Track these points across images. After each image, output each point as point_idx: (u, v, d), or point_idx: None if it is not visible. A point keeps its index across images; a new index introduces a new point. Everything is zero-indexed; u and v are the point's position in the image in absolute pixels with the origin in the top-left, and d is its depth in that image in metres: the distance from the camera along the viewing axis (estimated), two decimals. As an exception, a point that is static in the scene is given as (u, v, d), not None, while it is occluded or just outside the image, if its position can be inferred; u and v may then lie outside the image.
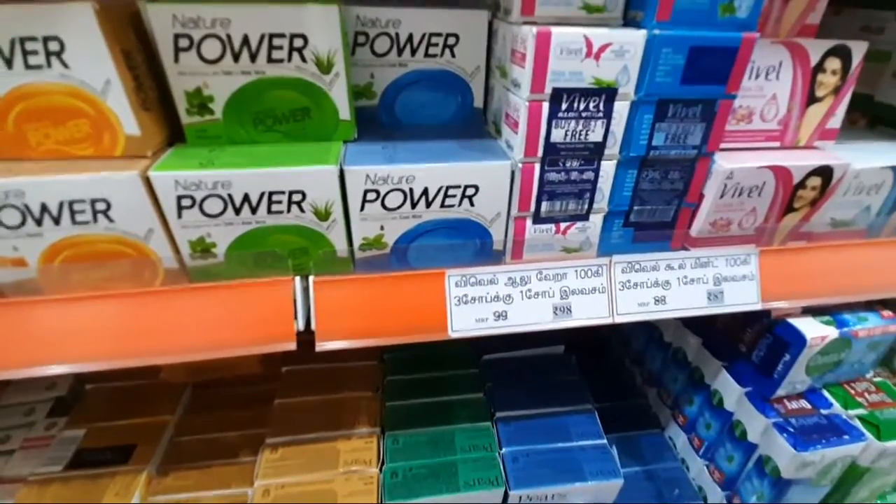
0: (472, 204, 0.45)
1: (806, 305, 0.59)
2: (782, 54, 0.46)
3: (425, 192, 0.44)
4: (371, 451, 0.62)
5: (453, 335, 0.48)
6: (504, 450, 0.62)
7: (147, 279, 0.45)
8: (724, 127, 0.45)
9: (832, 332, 0.55)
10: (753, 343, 0.60)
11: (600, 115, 0.42)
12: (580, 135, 0.43)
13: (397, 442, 0.63)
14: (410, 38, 0.49)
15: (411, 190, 0.43)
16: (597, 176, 0.46)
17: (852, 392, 0.61)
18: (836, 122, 0.51)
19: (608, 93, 0.42)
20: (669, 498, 0.69)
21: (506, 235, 0.48)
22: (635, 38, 0.40)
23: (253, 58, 0.42)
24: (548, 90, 0.41)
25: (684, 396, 0.72)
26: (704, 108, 0.44)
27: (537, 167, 0.44)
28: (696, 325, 0.70)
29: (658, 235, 0.51)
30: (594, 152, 0.44)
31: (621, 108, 0.43)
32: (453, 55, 0.50)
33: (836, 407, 0.59)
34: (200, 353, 0.45)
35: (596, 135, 0.43)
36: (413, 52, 0.49)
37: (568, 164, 0.45)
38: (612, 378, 0.86)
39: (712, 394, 0.65)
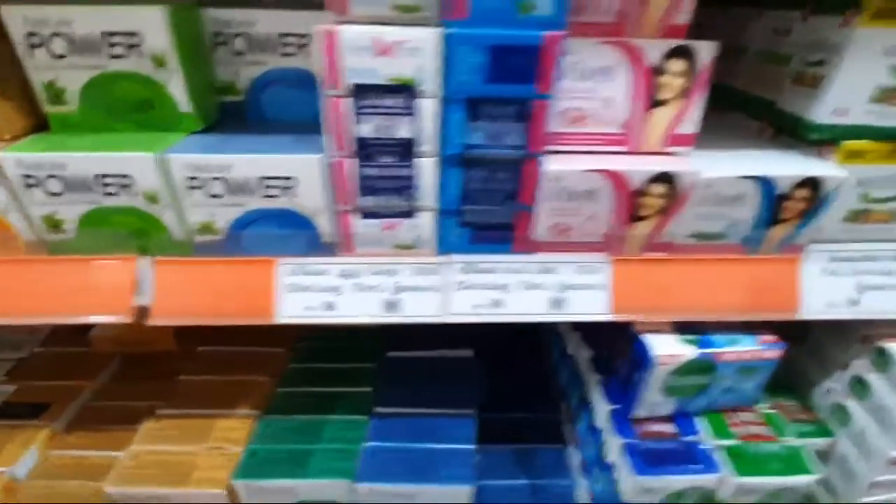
0: (293, 195, 0.47)
1: (678, 321, 0.56)
2: (614, 55, 0.44)
3: (245, 181, 0.46)
4: (243, 431, 0.65)
5: (280, 321, 0.50)
6: (368, 444, 0.63)
7: (10, 250, 0.50)
8: (543, 127, 0.44)
9: (689, 353, 0.51)
10: (623, 359, 0.57)
11: (404, 111, 0.43)
12: (388, 131, 0.44)
13: (269, 426, 0.65)
14: (266, 38, 0.51)
15: (231, 179, 0.46)
16: (414, 173, 0.46)
17: (731, 421, 0.56)
18: (689, 126, 0.48)
19: (407, 90, 0.42)
20: (549, 515, 0.67)
21: (335, 229, 0.49)
22: (426, 37, 0.40)
23: (96, 53, 0.46)
24: (346, 86, 0.42)
25: (577, 412, 0.69)
26: (518, 107, 0.43)
27: (351, 162, 0.45)
28: (591, 338, 0.68)
29: (499, 237, 0.51)
30: (407, 149, 0.45)
31: (427, 106, 0.43)
32: (309, 55, 0.52)
33: (703, 434, 0.55)
34: (50, 317, 0.50)
35: (404, 131, 0.44)
36: (270, 51, 0.52)
37: (382, 160, 0.45)
38: (532, 390, 0.84)
39: (591, 410, 0.62)
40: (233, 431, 0.65)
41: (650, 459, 0.51)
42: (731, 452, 0.53)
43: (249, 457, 0.61)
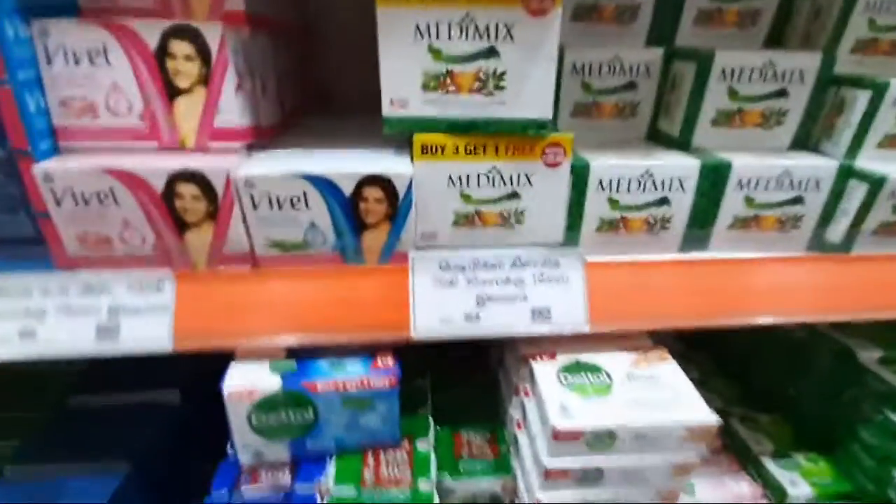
0: None
1: (298, 347, 0.48)
2: (102, 36, 0.38)
3: None
4: None
5: None
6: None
7: None
8: (16, 118, 0.37)
9: (271, 384, 0.43)
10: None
11: None
12: None
13: None
14: None
15: None
16: None
17: (368, 464, 0.48)
18: (232, 118, 0.41)
19: None
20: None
21: None
22: None
23: None
24: None
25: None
26: (-31, 95, 0.36)
27: None
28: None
29: (32, 253, 0.42)
30: None
31: None
32: None
33: (323, 483, 0.46)
34: None
35: None
36: None
37: None
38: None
39: (236, 456, 0.53)
40: None
41: (225, 517, 0.42)
42: (342, 502, 0.44)
43: None
